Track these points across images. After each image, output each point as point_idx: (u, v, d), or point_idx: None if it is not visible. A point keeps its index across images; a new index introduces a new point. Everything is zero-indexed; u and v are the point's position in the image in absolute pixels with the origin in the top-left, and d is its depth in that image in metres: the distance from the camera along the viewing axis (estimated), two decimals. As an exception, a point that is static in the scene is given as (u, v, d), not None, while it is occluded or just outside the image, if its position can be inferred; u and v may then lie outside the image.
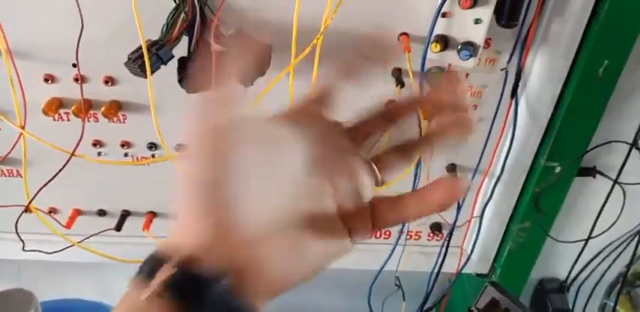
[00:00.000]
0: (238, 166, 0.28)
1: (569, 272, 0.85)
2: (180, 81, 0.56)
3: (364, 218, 0.32)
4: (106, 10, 0.56)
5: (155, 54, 0.53)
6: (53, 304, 0.72)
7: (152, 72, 0.53)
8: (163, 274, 0.26)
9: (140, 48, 0.53)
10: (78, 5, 0.52)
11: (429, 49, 0.55)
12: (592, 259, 0.84)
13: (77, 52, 0.54)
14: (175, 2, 0.55)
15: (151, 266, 0.27)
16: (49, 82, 0.62)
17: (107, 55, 0.59)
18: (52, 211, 0.75)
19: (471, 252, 0.79)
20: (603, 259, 0.84)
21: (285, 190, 0.29)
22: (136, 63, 0.53)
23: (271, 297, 0.30)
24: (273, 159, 0.29)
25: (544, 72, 0.61)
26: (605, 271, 0.85)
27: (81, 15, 0.52)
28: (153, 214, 0.77)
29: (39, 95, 0.62)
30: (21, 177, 0.72)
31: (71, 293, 0.82)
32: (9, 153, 0.64)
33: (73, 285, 1.04)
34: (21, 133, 0.60)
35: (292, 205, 0.30)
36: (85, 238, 0.74)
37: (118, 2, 0.54)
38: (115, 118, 0.66)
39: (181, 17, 0.54)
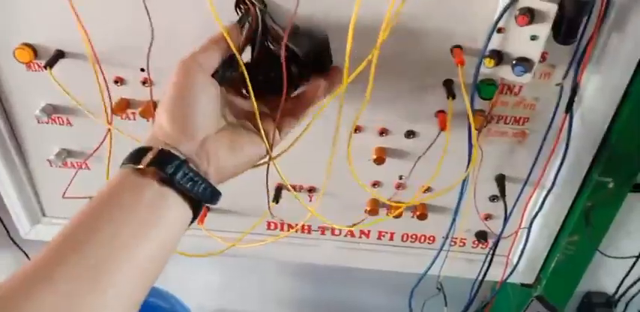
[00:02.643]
0: (195, 90, 0.46)
1: (618, 287, 0.83)
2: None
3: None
4: (176, 22, 0.60)
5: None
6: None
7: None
8: (151, 154, 0.42)
9: None
10: (150, 19, 0.56)
11: (482, 65, 0.55)
12: (643, 276, 0.83)
13: (148, 58, 0.58)
14: (238, 14, 0.58)
15: (138, 153, 0.42)
16: (119, 84, 0.67)
17: (173, 61, 0.62)
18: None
19: (517, 262, 0.79)
20: (656, 276, 0.82)
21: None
22: None
23: (221, 178, 0.47)
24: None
25: (600, 88, 0.60)
26: (657, 288, 0.83)
27: (152, 26, 0.56)
28: (207, 209, 0.82)
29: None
30: (88, 169, 0.78)
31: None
32: (97, 149, 0.70)
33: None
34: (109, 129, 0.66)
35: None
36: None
37: (187, 15, 0.59)
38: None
39: (246, 27, 0.57)
